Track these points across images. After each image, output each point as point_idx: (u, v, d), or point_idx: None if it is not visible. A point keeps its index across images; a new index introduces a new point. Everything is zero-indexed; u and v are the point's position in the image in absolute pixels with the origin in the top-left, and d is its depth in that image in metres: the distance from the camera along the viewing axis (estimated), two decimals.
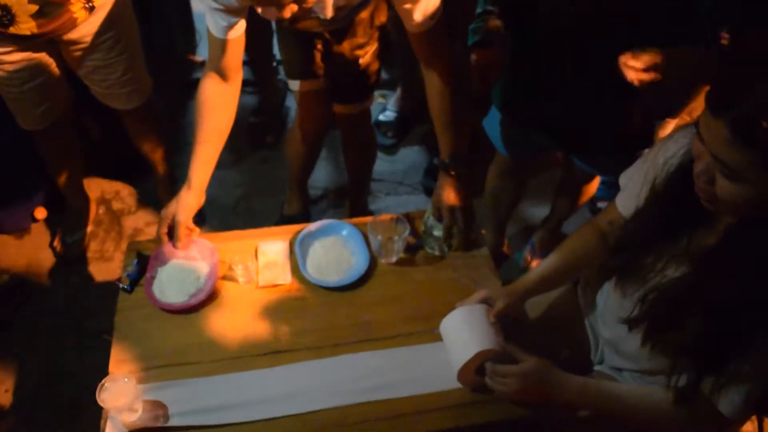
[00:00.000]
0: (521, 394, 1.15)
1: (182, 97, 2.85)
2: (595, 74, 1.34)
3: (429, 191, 2.50)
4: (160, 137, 2.16)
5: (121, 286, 1.42)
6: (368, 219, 1.52)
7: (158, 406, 1.23)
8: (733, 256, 0.93)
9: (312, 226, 1.54)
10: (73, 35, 1.70)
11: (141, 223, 2.36)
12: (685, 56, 1.22)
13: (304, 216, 2.31)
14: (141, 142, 2.14)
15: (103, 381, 1.18)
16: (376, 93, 2.83)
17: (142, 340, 1.34)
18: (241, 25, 1.37)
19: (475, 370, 1.21)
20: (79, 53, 1.76)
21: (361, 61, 1.78)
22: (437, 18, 1.38)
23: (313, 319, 1.39)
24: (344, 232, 1.55)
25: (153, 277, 1.42)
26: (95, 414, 1.22)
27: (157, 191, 2.33)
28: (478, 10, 1.65)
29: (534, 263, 2.23)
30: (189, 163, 1.47)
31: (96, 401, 1.18)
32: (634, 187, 1.17)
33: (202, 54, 3.06)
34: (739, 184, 0.86)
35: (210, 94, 1.45)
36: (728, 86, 0.86)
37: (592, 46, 1.31)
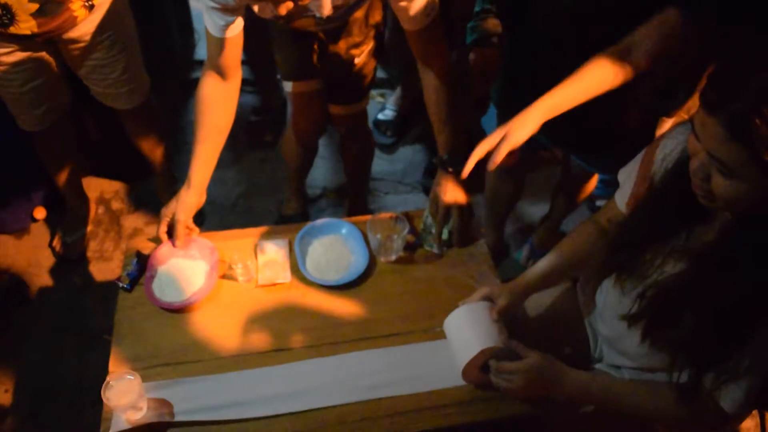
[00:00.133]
0: (526, 390, 1.15)
1: (181, 96, 2.85)
2: None
3: (428, 190, 2.48)
4: (159, 137, 2.16)
5: (120, 285, 1.43)
6: (367, 218, 1.52)
7: (163, 404, 1.23)
8: (730, 253, 0.94)
9: (311, 225, 1.55)
10: (73, 34, 1.70)
11: (140, 222, 2.36)
12: None
13: (303, 216, 2.32)
14: (140, 142, 2.14)
15: (108, 379, 1.18)
16: (375, 92, 2.84)
17: (142, 339, 1.34)
18: (239, 23, 1.37)
19: (480, 367, 1.21)
20: (79, 52, 1.76)
21: (356, 60, 1.78)
22: (433, 15, 1.38)
23: (313, 318, 1.39)
24: (344, 231, 1.55)
25: (153, 276, 1.43)
26: (95, 413, 1.22)
27: (157, 191, 2.34)
28: (477, 8, 1.65)
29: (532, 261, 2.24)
30: (189, 163, 1.47)
31: (96, 401, 1.18)
32: (632, 183, 1.18)
33: (200, 54, 3.06)
34: (734, 180, 0.86)
35: (209, 93, 1.45)
36: (722, 84, 0.86)
37: (591, 44, 1.31)
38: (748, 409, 1.00)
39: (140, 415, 1.19)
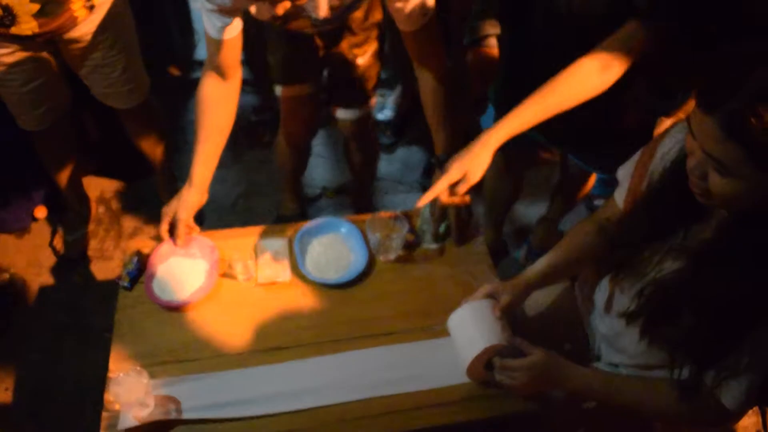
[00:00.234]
0: (530, 387, 1.16)
1: (182, 96, 2.85)
2: None
3: (427, 190, 2.50)
4: (159, 136, 2.16)
5: (121, 283, 1.43)
6: (367, 217, 1.52)
7: (170, 401, 1.23)
8: (727, 251, 0.94)
9: (311, 224, 1.55)
10: (73, 34, 1.70)
11: (141, 221, 2.36)
12: None
13: (301, 216, 2.32)
14: (140, 141, 2.14)
15: (115, 375, 1.18)
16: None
17: (143, 338, 1.34)
18: (237, 25, 1.37)
19: (484, 365, 1.22)
20: (79, 52, 1.76)
21: (359, 61, 1.78)
22: (429, 16, 1.38)
23: (312, 316, 1.40)
24: (343, 230, 1.55)
25: (153, 275, 1.43)
26: (96, 412, 1.22)
27: (157, 190, 2.34)
28: (475, 8, 1.65)
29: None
30: (190, 163, 1.48)
31: (97, 400, 1.18)
32: (631, 181, 1.18)
33: (200, 54, 3.07)
34: (730, 179, 0.87)
35: (209, 93, 1.45)
36: (718, 83, 0.87)
37: (589, 44, 1.32)
38: (748, 406, 1.00)
39: (147, 411, 1.20)
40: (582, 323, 1.41)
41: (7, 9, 1.55)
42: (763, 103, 0.81)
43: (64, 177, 2.14)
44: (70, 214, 2.29)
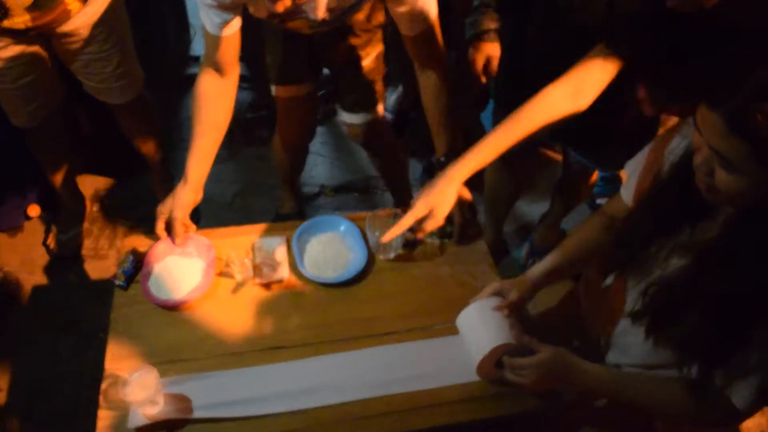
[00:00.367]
0: (539, 385, 1.15)
1: (177, 93, 2.84)
2: None
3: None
4: (153, 132, 2.14)
5: (116, 282, 1.41)
6: (366, 215, 1.51)
7: (180, 399, 1.22)
8: (732, 248, 0.93)
9: (309, 222, 1.54)
10: (66, 27, 1.69)
11: (136, 220, 2.35)
12: None
13: (299, 215, 2.31)
14: (135, 138, 2.12)
15: (125, 373, 1.17)
16: None
17: (139, 337, 1.32)
18: (236, 22, 1.36)
19: (494, 363, 1.21)
20: (73, 46, 1.75)
21: (363, 64, 1.76)
22: (431, 20, 1.38)
23: (311, 315, 1.38)
24: (342, 228, 1.54)
25: (149, 274, 1.41)
26: (92, 412, 1.21)
27: (153, 188, 2.32)
28: (476, 3, 1.64)
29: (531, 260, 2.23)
30: (185, 160, 1.46)
31: (92, 399, 1.17)
32: (638, 177, 1.18)
33: (196, 49, 3.05)
34: (736, 175, 0.86)
35: (206, 89, 1.44)
36: (723, 79, 0.87)
37: (589, 40, 1.31)
38: (759, 406, 1.00)
39: (157, 409, 1.18)
40: (585, 322, 1.40)
41: (0, 2, 1.53)
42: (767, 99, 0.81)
43: (57, 174, 2.12)
44: (63, 212, 2.27)
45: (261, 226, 1.57)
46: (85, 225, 2.31)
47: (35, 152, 2.04)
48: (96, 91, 1.90)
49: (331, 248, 1.50)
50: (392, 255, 1.49)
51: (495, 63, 1.66)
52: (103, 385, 1.24)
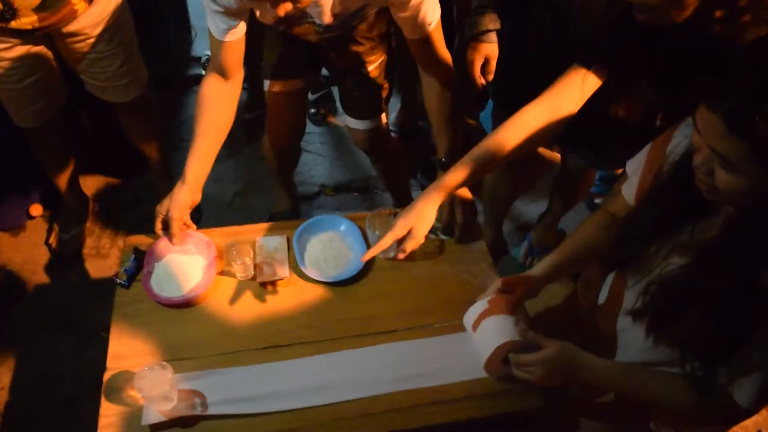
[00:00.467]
0: (547, 381, 1.15)
1: (178, 94, 2.84)
2: None
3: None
4: (155, 131, 2.15)
5: (118, 281, 1.42)
6: (366, 214, 1.52)
7: (194, 395, 1.23)
8: (732, 248, 0.94)
9: (310, 222, 1.54)
10: (72, 27, 1.70)
11: (137, 219, 2.35)
12: None
13: (294, 212, 2.31)
14: (136, 137, 2.13)
15: (139, 369, 1.18)
16: None
17: (140, 336, 1.33)
18: (241, 28, 1.39)
19: (501, 360, 1.21)
20: (78, 45, 1.76)
21: (368, 70, 1.77)
22: (435, 23, 1.40)
23: (312, 314, 1.39)
24: (342, 228, 1.54)
25: (150, 272, 1.42)
26: (92, 411, 1.21)
27: (154, 187, 2.33)
28: (474, 4, 1.65)
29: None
30: (185, 161, 1.47)
31: (93, 398, 1.17)
32: (639, 176, 1.18)
33: (197, 51, 3.05)
34: (736, 175, 0.87)
35: (210, 91, 1.47)
36: (722, 80, 0.87)
37: (587, 40, 1.31)
38: (762, 404, 1.00)
39: (171, 405, 1.19)
40: (585, 320, 1.40)
41: (8, 3, 1.55)
42: (766, 99, 0.81)
43: (60, 174, 2.12)
44: (66, 211, 2.28)
45: (262, 226, 1.57)
46: (87, 224, 2.32)
47: (38, 152, 2.05)
48: (100, 89, 1.91)
49: (332, 247, 1.50)
50: (392, 254, 1.49)
51: (493, 64, 1.67)
52: (105, 384, 1.25)
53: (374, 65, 1.77)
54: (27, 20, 1.60)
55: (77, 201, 2.28)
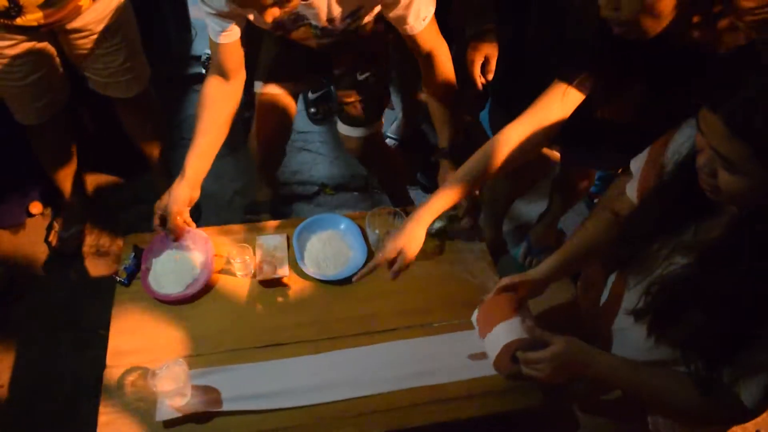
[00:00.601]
0: (557, 377, 1.15)
1: (178, 92, 2.84)
2: None
3: (425, 187, 2.51)
4: (156, 128, 2.15)
5: (118, 279, 1.42)
6: (366, 213, 1.52)
7: (209, 391, 1.23)
8: (735, 247, 0.94)
9: (310, 220, 1.55)
10: (77, 24, 1.71)
11: (137, 218, 2.35)
12: None
13: (273, 205, 2.29)
14: (137, 135, 2.13)
15: (155, 366, 1.19)
16: None
17: (140, 334, 1.33)
18: (235, 31, 1.41)
19: (509, 358, 1.21)
20: (82, 42, 1.77)
21: (364, 77, 1.76)
22: (429, 19, 1.42)
23: (311, 313, 1.39)
24: (342, 226, 1.55)
25: (148, 269, 1.42)
26: (92, 408, 1.22)
27: (154, 186, 2.32)
28: (474, 2, 1.65)
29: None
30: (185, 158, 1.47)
31: (93, 396, 1.17)
32: (640, 176, 1.18)
33: (197, 50, 3.05)
34: (738, 176, 0.87)
35: (210, 91, 1.49)
36: (723, 81, 0.88)
37: (586, 40, 1.32)
38: (767, 405, 1.00)
39: (185, 401, 1.19)
40: (582, 320, 1.40)
41: (13, 0, 1.55)
42: (766, 101, 0.82)
43: (60, 172, 2.13)
44: (66, 210, 2.27)
45: (262, 224, 1.58)
46: (87, 223, 2.32)
47: (39, 150, 2.05)
48: (102, 85, 1.91)
49: (332, 246, 1.50)
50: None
51: (493, 63, 1.67)
52: (104, 382, 1.25)
53: (370, 73, 1.76)
54: (32, 17, 1.60)
55: (77, 199, 2.28)
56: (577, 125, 1.58)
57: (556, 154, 2.08)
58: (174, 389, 1.17)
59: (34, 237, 2.29)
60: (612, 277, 1.26)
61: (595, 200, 2.41)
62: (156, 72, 2.06)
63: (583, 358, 1.13)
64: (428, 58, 1.49)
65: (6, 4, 1.55)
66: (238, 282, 1.44)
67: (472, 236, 1.55)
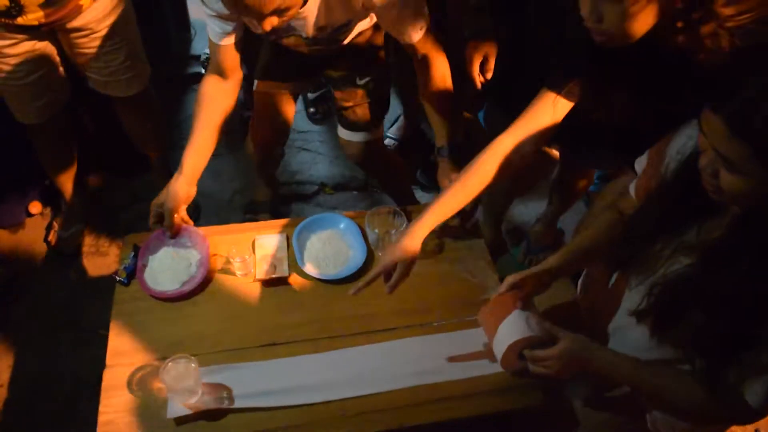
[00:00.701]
0: (564, 374, 1.15)
1: (177, 92, 2.84)
2: None
3: (425, 187, 2.51)
4: (156, 127, 2.16)
5: (117, 279, 1.42)
6: (365, 212, 1.52)
7: (220, 388, 1.24)
8: (738, 247, 0.94)
9: (309, 220, 1.55)
10: (77, 23, 1.71)
11: (136, 218, 2.35)
12: None
13: (273, 203, 2.30)
14: (137, 133, 2.13)
15: (164, 363, 1.19)
16: None
17: (140, 333, 1.33)
18: (236, 33, 1.43)
19: (517, 356, 1.21)
20: (82, 41, 1.77)
21: (363, 82, 1.76)
22: (426, 27, 1.44)
23: (311, 312, 1.39)
24: (342, 226, 1.55)
25: (145, 266, 1.43)
26: (91, 408, 1.22)
27: (154, 186, 2.32)
28: (472, 2, 1.65)
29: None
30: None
31: (92, 395, 1.17)
32: (640, 175, 1.18)
33: (196, 49, 3.05)
34: (739, 176, 0.87)
35: (208, 89, 1.51)
36: (724, 83, 0.88)
37: (584, 39, 1.32)
38: None
39: (195, 399, 1.20)
40: (583, 320, 1.40)
41: (15, 0, 1.54)
42: (766, 101, 0.82)
43: (60, 172, 2.13)
44: (65, 209, 2.27)
45: (261, 224, 1.58)
46: (87, 222, 2.32)
47: (39, 150, 2.05)
48: (103, 84, 1.91)
49: (331, 245, 1.51)
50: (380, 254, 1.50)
51: (492, 61, 1.67)
52: (104, 381, 1.25)
53: (368, 78, 1.76)
54: (33, 16, 1.61)
55: (77, 199, 2.28)
56: (576, 126, 1.58)
57: (555, 154, 2.08)
58: (185, 386, 1.17)
59: (33, 236, 2.29)
60: (614, 278, 1.26)
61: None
62: (156, 72, 2.06)
63: (586, 354, 1.13)
64: (425, 65, 1.51)
65: (7, 3, 1.55)
66: (238, 281, 1.44)
67: (471, 233, 1.55)
